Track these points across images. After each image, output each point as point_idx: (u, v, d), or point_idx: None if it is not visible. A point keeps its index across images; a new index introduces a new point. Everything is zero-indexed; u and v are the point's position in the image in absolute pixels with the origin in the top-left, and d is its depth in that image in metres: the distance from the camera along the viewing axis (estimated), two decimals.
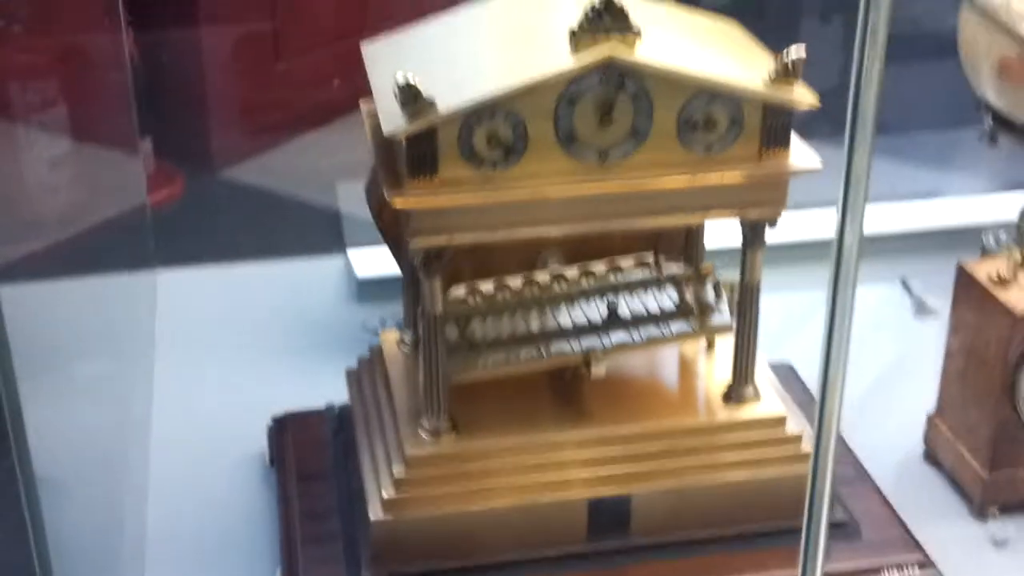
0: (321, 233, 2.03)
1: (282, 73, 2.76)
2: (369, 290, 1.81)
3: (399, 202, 1.13)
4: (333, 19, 2.72)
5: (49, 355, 1.38)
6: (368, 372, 1.42)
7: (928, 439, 1.50)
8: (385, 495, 1.23)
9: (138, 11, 2.27)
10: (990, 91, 1.69)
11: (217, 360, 1.70)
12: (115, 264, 1.76)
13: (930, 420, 1.49)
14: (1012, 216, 1.81)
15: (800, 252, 1.82)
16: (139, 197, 1.90)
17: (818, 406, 0.93)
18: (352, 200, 1.81)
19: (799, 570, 0.97)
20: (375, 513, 1.23)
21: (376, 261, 1.80)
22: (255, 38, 2.72)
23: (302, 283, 1.88)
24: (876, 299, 1.84)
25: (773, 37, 1.25)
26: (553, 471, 1.26)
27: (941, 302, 1.77)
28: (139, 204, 1.91)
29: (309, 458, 1.43)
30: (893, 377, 1.68)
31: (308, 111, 2.73)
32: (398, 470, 1.24)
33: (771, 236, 1.24)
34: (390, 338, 1.42)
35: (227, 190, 2.58)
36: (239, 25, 2.68)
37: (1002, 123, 1.72)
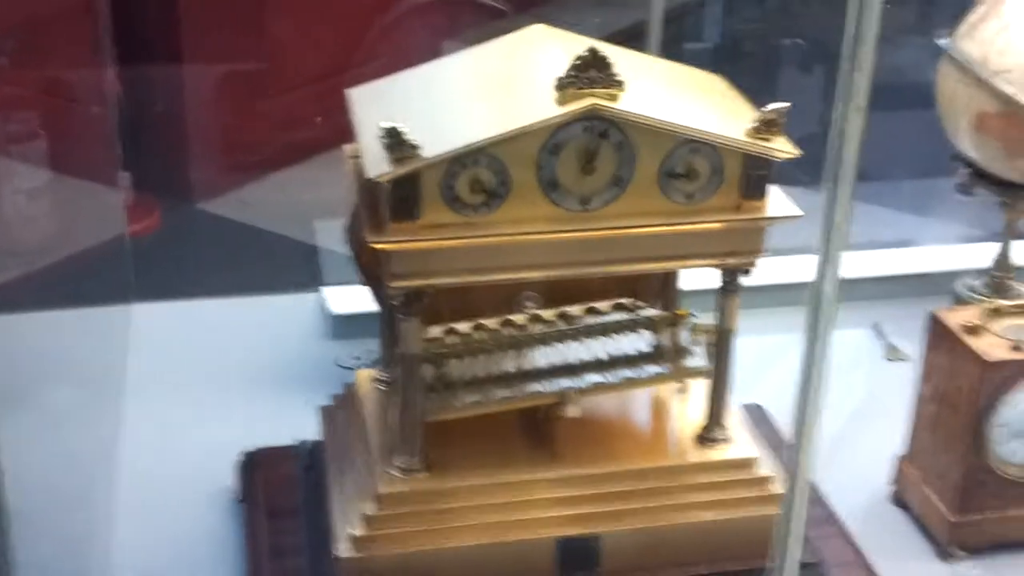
0: (297, 269, 2.04)
1: (263, 110, 2.77)
2: (344, 326, 1.81)
3: (381, 244, 1.14)
4: (315, 59, 2.74)
5: (20, 386, 1.38)
6: (342, 409, 1.42)
7: (896, 481, 1.51)
8: (354, 532, 1.23)
9: (125, 46, 2.29)
10: (967, 144, 1.71)
11: (189, 394, 1.69)
12: (90, 296, 1.76)
13: (899, 463, 1.50)
14: (984, 264, 1.84)
15: (771, 295, 1.84)
16: (118, 229, 1.91)
17: (793, 450, 0.95)
18: (329, 237, 1.82)
19: None
20: (344, 550, 1.23)
21: (351, 298, 1.80)
22: (238, 75, 2.74)
23: (277, 319, 1.88)
24: (848, 343, 1.86)
25: (756, 88, 1.27)
26: (524, 510, 1.27)
27: (911, 347, 1.80)
28: (117, 236, 1.91)
29: (278, 494, 1.43)
30: (862, 419, 1.70)
31: (287, 148, 2.75)
32: (369, 507, 1.24)
33: (746, 280, 1.26)
34: (365, 375, 1.43)
35: (205, 224, 2.59)
36: (223, 63, 2.69)
37: (978, 175, 1.75)
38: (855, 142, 0.83)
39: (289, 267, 2.16)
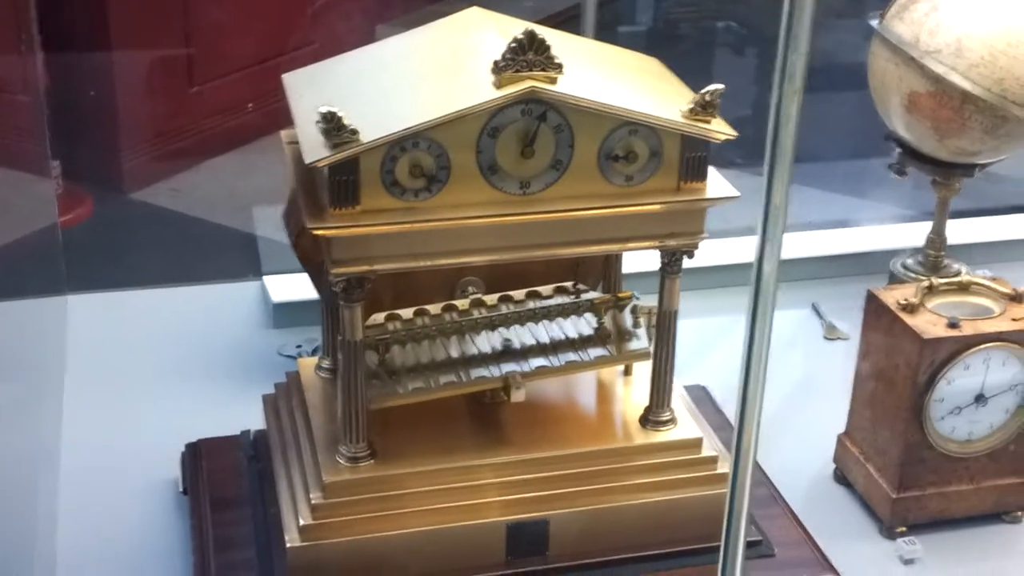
0: (235, 258, 2.02)
1: (194, 97, 2.74)
2: (285, 315, 1.80)
3: (320, 231, 1.13)
4: (246, 45, 2.71)
5: None
6: (285, 398, 1.41)
7: (838, 459, 1.53)
8: (302, 521, 1.23)
9: (51, 33, 2.25)
10: (899, 124, 1.73)
11: (129, 386, 1.67)
12: (24, 287, 1.73)
13: (840, 441, 1.52)
14: (919, 243, 1.87)
15: (712, 277, 1.86)
16: (50, 219, 1.88)
17: (736, 429, 0.95)
18: (267, 225, 1.80)
19: None
20: (292, 539, 1.23)
21: (292, 286, 1.79)
22: (168, 62, 2.71)
23: (216, 308, 1.86)
24: (788, 323, 1.88)
25: (692, 71, 1.28)
26: (472, 495, 1.27)
27: (850, 326, 1.82)
28: (50, 226, 1.88)
29: (223, 485, 1.42)
30: (803, 398, 1.72)
31: (220, 135, 2.72)
32: (315, 496, 1.24)
33: (685, 262, 1.27)
34: (308, 364, 1.42)
35: (139, 213, 2.56)
36: (152, 49, 2.66)
37: (910, 154, 1.77)
38: (792, 124, 0.84)
39: (227, 256, 2.14)
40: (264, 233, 2.06)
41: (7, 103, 1.83)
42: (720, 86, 1.18)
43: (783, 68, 0.82)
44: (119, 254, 2.33)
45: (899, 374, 1.40)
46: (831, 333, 1.86)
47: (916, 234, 1.91)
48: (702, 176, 1.21)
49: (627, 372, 1.41)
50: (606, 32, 1.71)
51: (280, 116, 1.26)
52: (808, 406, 1.69)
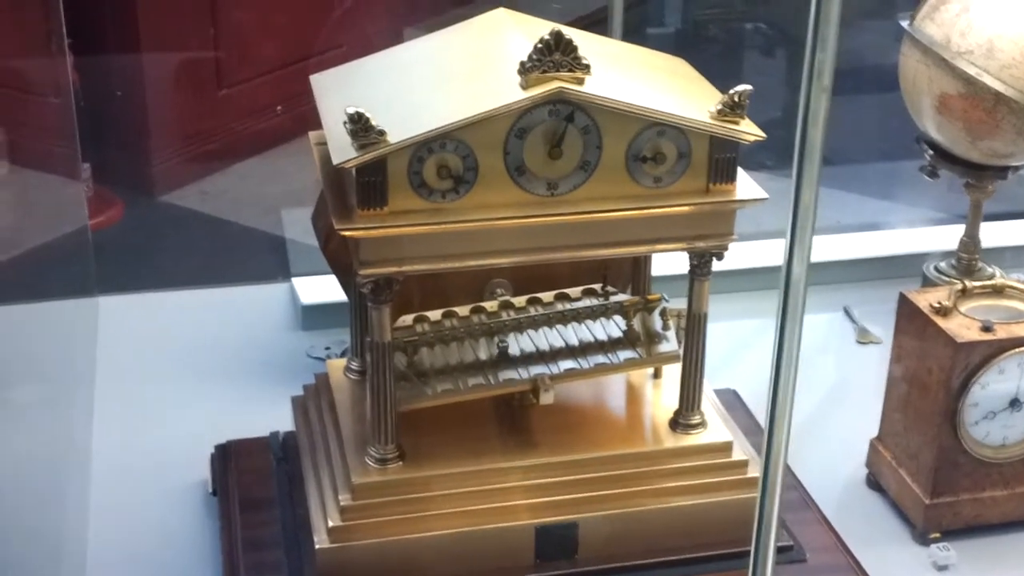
0: (265, 259, 2.02)
1: (223, 100, 2.75)
2: (314, 317, 1.80)
3: (348, 232, 1.13)
4: (274, 47, 2.72)
5: None
6: (314, 399, 1.41)
7: (870, 464, 1.52)
8: (330, 523, 1.23)
9: (81, 37, 2.26)
10: (930, 125, 1.72)
11: (159, 387, 1.68)
12: (55, 289, 1.74)
13: (872, 446, 1.51)
14: (951, 246, 1.85)
15: (744, 280, 1.85)
16: (80, 221, 1.89)
17: (766, 432, 0.94)
18: (297, 227, 1.81)
19: None
20: (320, 541, 1.22)
21: (321, 288, 1.79)
22: (197, 65, 2.72)
23: (246, 310, 1.86)
24: (819, 327, 1.86)
25: (720, 73, 1.27)
26: (500, 498, 1.26)
27: (882, 330, 1.80)
28: (79, 228, 1.89)
29: (252, 486, 1.42)
30: (836, 403, 1.70)
31: (250, 137, 2.73)
32: (344, 498, 1.23)
33: (715, 264, 1.26)
34: (337, 365, 1.42)
35: (169, 215, 2.57)
36: (181, 52, 2.67)
37: (942, 156, 1.75)
38: (821, 122, 0.83)
39: (256, 258, 2.14)
40: (293, 235, 2.06)
41: (38, 106, 1.84)
42: (748, 87, 1.17)
43: (811, 66, 0.82)
44: (149, 256, 2.34)
45: (932, 378, 1.38)
46: (863, 337, 1.84)
47: (949, 237, 1.89)
48: (731, 178, 1.20)
49: (657, 375, 1.40)
50: (633, 35, 1.70)
51: (309, 119, 1.26)
52: (840, 410, 1.67)
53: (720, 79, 1.28)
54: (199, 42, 2.73)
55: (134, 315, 1.86)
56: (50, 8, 1.73)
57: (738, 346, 1.79)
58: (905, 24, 1.70)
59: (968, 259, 1.82)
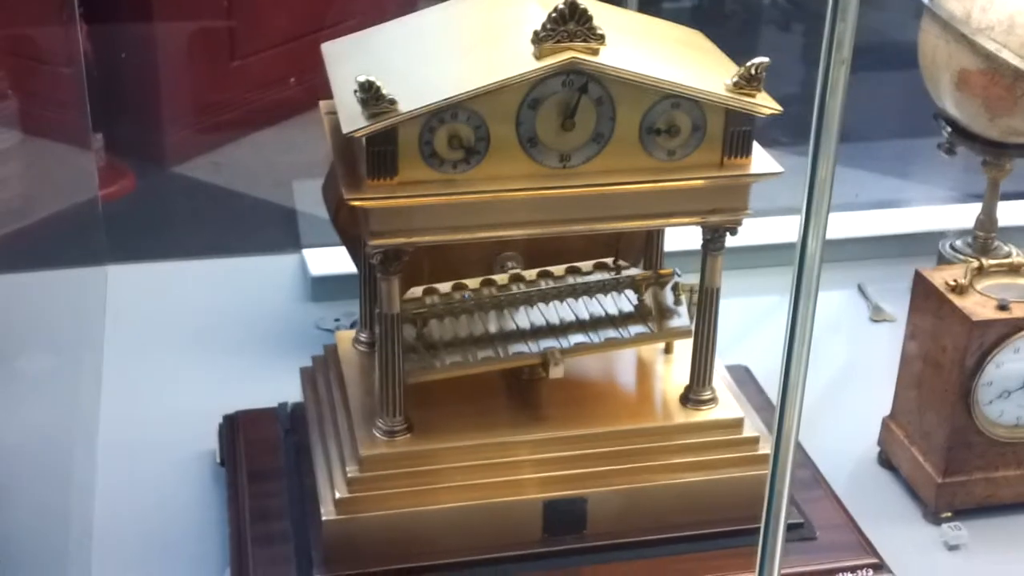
0: (276, 231, 2.02)
1: (236, 70, 2.74)
2: (324, 288, 1.79)
3: (358, 202, 1.12)
4: (288, 18, 2.71)
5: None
6: (323, 371, 1.40)
7: (883, 443, 1.50)
8: (337, 494, 1.22)
9: (93, 6, 2.25)
10: (949, 102, 1.70)
11: (168, 357, 1.67)
12: (64, 258, 1.74)
13: (885, 424, 1.50)
14: (968, 224, 1.83)
15: (757, 256, 1.83)
16: (90, 192, 1.88)
17: (778, 408, 0.93)
18: (307, 198, 1.80)
19: (756, 571, 0.98)
20: (327, 512, 1.22)
21: (331, 260, 1.78)
22: (210, 36, 2.70)
23: (256, 280, 1.86)
24: (833, 304, 1.85)
25: (738, 49, 1.25)
26: (509, 472, 1.25)
27: (897, 308, 1.79)
28: (90, 199, 1.88)
29: (260, 457, 1.41)
30: (849, 381, 1.69)
31: (263, 109, 2.71)
32: (351, 470, 1.23)
33: (729, 240, 1.24)
34: (345, 336, 1.41)
35: (181, 186, 2.56)
36: (194, 22, 2.66)
37: (960, 134, 1.73)
38: (840, 94, 0.82)
39: (267, 229, 2.14)
40: (304, 207, 2.05)
41: (49, 75, 1.83)
42: (765, 59, 1.16)
43: (830, 38, 0.80)
44: (160, 227, 2.33)
45: (946, 356, 1.37)
46: (877, 315, 1.83)
47: (966, 215, 1.87)
48: (746, 151, 1.19)
49: (668, 350, 1.39)
50: (650, 8, 1.68)
51: (322, 90, 1.25)
52: (853, 389, 1.66)
53: (738, 54, 1.26)
54: (212, 12, 2.71)
55: (144, 285, 1.85)
56: None
57: (752, 323, 1.78)
58: None
59: (984, 237, 1.81)
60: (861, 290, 1.88)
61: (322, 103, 1.28)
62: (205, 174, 2.59)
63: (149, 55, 2.65)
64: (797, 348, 0.92)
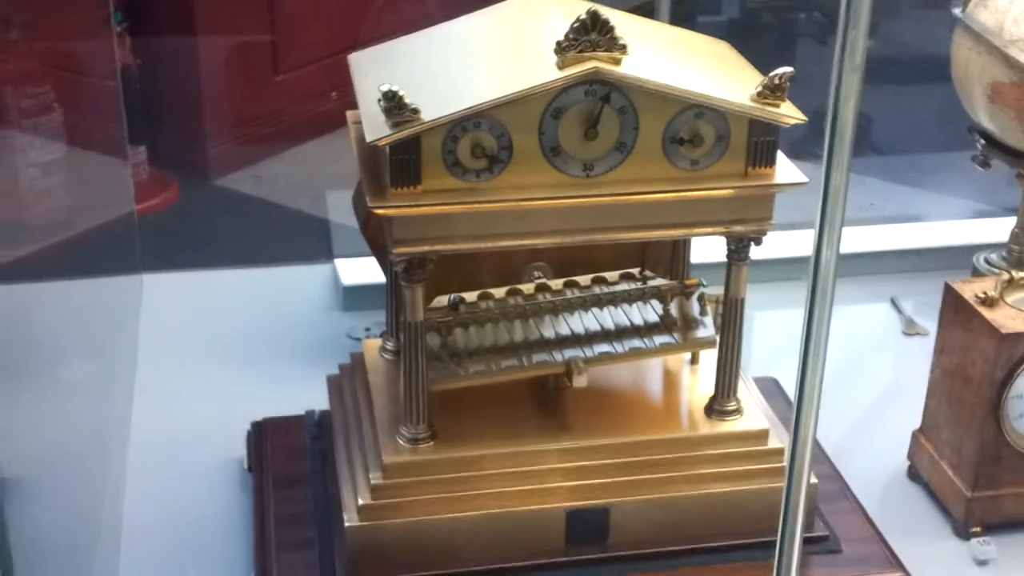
0: (310, 241, 2.04)
1: (279, 85, 2.77)
2: (355, 298, 1.81)
3: (381, 210, 1.13)
4: (330, 33, 2.73)
5: (32, 357, 1.38)
6: (349, 379, 1.41)
7: (912, 456, 1.49)
8: (361, 501, 1.23)
9: (137, 19, 2.28)
10: (982, 114, 1.69)
11: (200, 364, 1.69)
12: (100, 267, 1.76)
13: (915, 437, 1.48)
14: (1003, 238, 1.82)
15: (792, 268, 1.82)
16: (127, 203, 1.91)
17: (794, 416, 0.93)
18: (341, 209, 1.81)
19: None
20: (350, 519, 1.23)
21: (363, 270, 1.80)
22: (253, 50, 2.74)
23: (289, 290, 1.87)
24: (867, 317, 1.84)
25: (773, 62, 1.25)
26: (532, 480, 1.26)
27: (930, 322, 1.77)
28: (127, 211, 1.91)
29: (287, 463, 1.43)
30: (880, 394, 1.68)
31: (305, 122, 2.74)
32: (375, 477, 1.23)
33: (763, 252, 1.24)
34: (372, 345, 1.42)
35: (222, 198, 2.59)
36: (238, 36, 2.69)
37: (994, 146, 1.72)
38: (853, 101, 0.82)
39: (303, 240, 2.16)
40: (337, 218, 2.06)
41: (88, 88, 1.86)
42: (789, 69, 1.15)
43: (843, 44, 0.80)
44: (199, 237, 2.36)
45: (976, 369, 1.36)
46: (910, 328, 1.82)
47: (1000, 229, 1.85)
48: (770, 161, 1.19)
49: (694, 361, 1.39)
50: (684, 23, 1.68)
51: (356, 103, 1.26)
52: (885, 402, 1.65)
53: (774, 68, 1.25)
54: (256, 27, 2.75)
55: (179, 293, 1.87)
56: None
57: (785, 335, 1.77)
58: (957, 11, 1.67)
59: (1019, 251, 1.79)
60: (894, 303, 1.87)
61: (349, 113, 1.30)
62: (246, 186, 2.62)
63: (193, 69, 2.68)
64: (812, 356, 0.92)
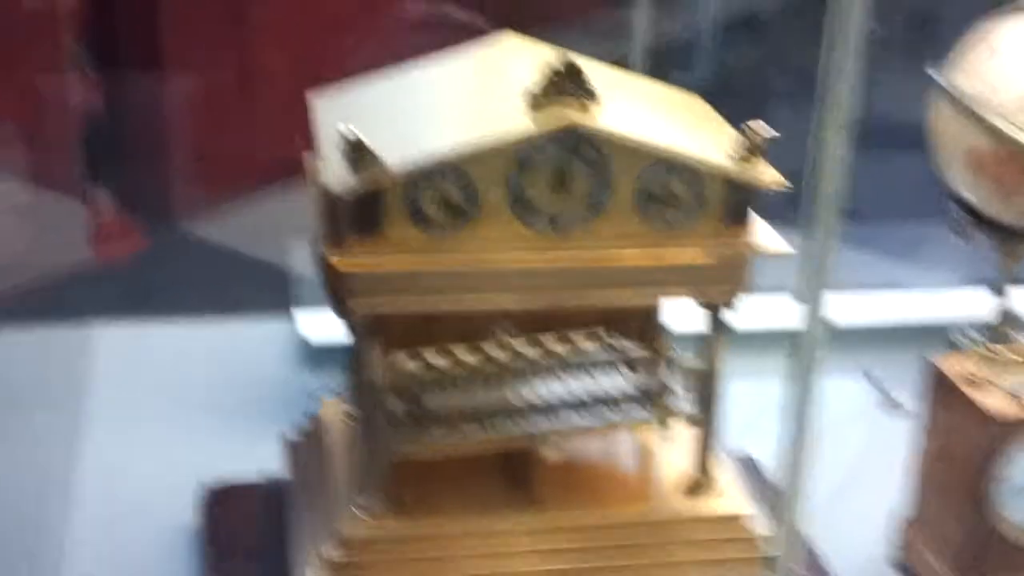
0: (271, 291, 1.97)
1: (244, 126, 2.73)
2: (317, 354, 1.74)
3: (340, 263, 1.07)
4: (298, 77, 2.69)
5: None
6: (307, 443, 1.35)
7: (895, 542, 1.43)
8: None
9: (104, 61, 2.24)
10: (961, 184, 1.65)
11: (152, 420, 1.63)
12: (53, 316, 1.71)
13: (898, 523, 1.43)
14: (978, 312, 1.77)
15: (768, 340, 1.77)
16: (83, 248, 1.85)
17: (782, 503, 0.88)
18: (303, 259, 1.76)
19: None
20: None
21: (326, 324, 1.73)
22: (218, 92, 2.70)
23: (247, 343, 1.81)
24: (839, 391, 1.78)
25: (737, 117, 1.21)
26: (498, 560, 1.19)
27: (907, 396, 1.73)
28: (83, 255, 1.85)
29: (240, 532, 1.35)
30: (857, 474, 1.62)
31: (271, 166, 2.70)
32: (333, 552, 1.16)
33: (739, 322, 1.20)
34: (332, 406, 1.35)
35: (185, 244, 2.54)
36: (203, 78, 2.65)
37: (972, 216, 1.68)
38: (837, 164, 0.77)
39: (265, 290, 2.10)
40: (301, 267, 2.01)
41: (48, 128, 1.81)
42: (768, 129, 1.11)
43: (826, 103, 0.76)
44: (159, 286, 2.31)
45: (962, 454, 1.30)
46: (887, 404, 1.77)
47: (975, 301, 1.81)
48: (747, 223, 1.14)
49: (668, 432, 1.33)
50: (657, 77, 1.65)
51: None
52: (863, 482, 1.59)
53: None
54: (223, 69, 2.71)
55: (133, 344, 1.81)
56: (65, 30, 1.70)
57: (759, 408, 1.72)
58: (933, 73, 1.64)
59: (1001, 329, 1.74)
60: (868, 377, 1.82)
61: (306, 154, 1.24)
62: (208, 231, 2.57)
63: (157, 111, 2.64)
64: (801, 436, 0.87)
